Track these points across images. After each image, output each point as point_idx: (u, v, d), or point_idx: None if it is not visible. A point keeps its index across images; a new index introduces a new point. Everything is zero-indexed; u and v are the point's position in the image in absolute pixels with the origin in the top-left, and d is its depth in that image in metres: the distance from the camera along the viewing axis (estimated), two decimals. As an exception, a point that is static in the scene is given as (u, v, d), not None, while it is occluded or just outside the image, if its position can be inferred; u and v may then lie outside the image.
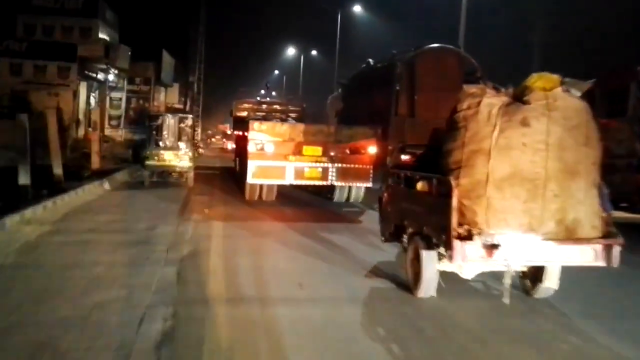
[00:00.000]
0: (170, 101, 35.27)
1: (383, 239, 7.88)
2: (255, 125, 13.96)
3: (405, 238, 6.95)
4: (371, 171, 14.36)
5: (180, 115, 18.22)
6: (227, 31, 62.85)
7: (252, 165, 13.91)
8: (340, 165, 14.16)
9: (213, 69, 53.48)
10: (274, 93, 30.72)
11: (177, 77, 39.50)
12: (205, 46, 49.14)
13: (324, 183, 14.35)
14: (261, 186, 14.56)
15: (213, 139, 59.76)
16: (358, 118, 18.23)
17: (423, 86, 17.03)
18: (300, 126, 14.28)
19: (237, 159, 19.47)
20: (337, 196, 15.16)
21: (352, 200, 15.15)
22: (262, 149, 13.87)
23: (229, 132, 41.45)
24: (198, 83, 49.69)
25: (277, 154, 13.89)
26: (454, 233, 5.26)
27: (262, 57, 65.46)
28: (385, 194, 7.32)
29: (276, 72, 62.62)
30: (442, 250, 5.70)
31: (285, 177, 14.04)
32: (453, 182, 5.37)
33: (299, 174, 14.05)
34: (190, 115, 18.67)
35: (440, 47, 18.25)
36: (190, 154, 17.18)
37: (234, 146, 24.42)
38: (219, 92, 57.50)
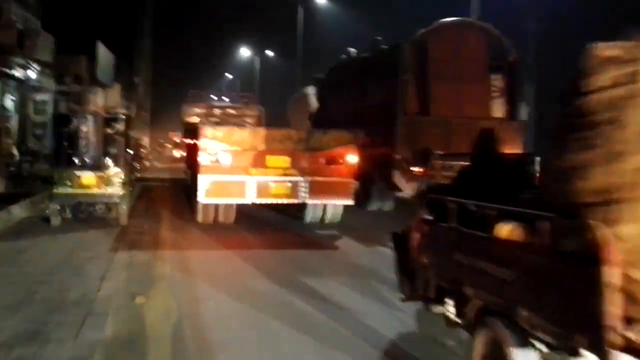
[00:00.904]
0: (110, 104, 30.83)
1: (403, 297, 5.18)
2: (208, 131, 11.15)
3: (450, 305, 4.29)
4: (352, 185, 11.73)
5: (107, 115, 13.77)
6: (178, 28, 58.02)
7: (204, 181, 11.13)
8: (313, 178, 11.50)
9: (163, 70, 48.64)
10: (225, 99, 26.71)
11: (118, 77, 34.13)
12: (154, 43, 44.62)
13: (294, 201, 11.64)
14: (217, 206, 11.76)
15: (162, 148, 55.07)
16: (342, 120, 15.11)
17: (439, 74, 13.05)
18: (263, 132, 11.51)
19: (189, 170, 16.63)
20: (310, 216, 12.43)
21: (327, 220, 12.45)
22: (216, 160, 11.13)
23: (177, 140, 38.10)
24: (144, 85, 45.36)
25: (235, 167, 11.19)
26: (611, 338, 2.61)
27: (216, 58, 61.60)
28: (417, 233, 4.59)
29: (230, 76, 59.09)
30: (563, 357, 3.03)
31: (246, 195, 11.29)
32: (606, 233, 2.67)
33: (262, 190, 11.34)
34: (122, 116, 12.76)
35: (461, 22, 14.46)
36: (122, 175, 11.41)
37: (184, 154, 21.58)
38: (170, 97, 51.20)
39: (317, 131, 12.33)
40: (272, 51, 45.55)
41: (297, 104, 20.91)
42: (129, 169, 13.74)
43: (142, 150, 35.40)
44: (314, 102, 18.97)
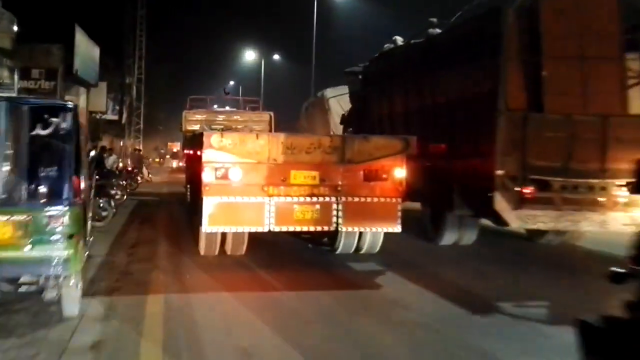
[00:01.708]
0: (95, 107, 27.18)
1: None
2: (213, 139, 8.52)
3: None
4: (399, 207, 9.10)
5: (26, 99, 6.73)
6: (175, 25, 53.17)
7: (209, 205, 8.55)
8: (350, 199, 8.89)
9: (160, 72, 43.46)
10: (227, 107, 23.96)
11: (105, 76, 29.03)
12: (148, 40, 39.44)
13: (325, 228, 9.02)
14: (224, 234, 9.16)
15: (162, 160, 51.56)
16: (395, 122, 12.44)
17: (556, 53, 9.13)
18: (285, 138, 8.87)
19: (189, 186, 14.02)
20: (343, 245, 9.81)
21: (364, 250, 9.84)
22: (224, 176, 8.58)
23: (175, 150, 35.37)
24: (138, 86, 39.49)
25: (248, 185, 8.67)
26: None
27: (219, 61, 58.32)
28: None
29: (232, 82, 56.11)
30: None
31: (262, 221, 8.70)
32: None
33: (284, 215, 8.76)
34: (68, 104, 5.81)
35: None
36: (70, 219, 5.54)
37: (183, 164, 19.14)
38: (170, 103, 45.90)
39: (355, 138, 9.58)
40: (279, 54, 42.68)
41: (313, 109, 18.15)
42: (92, 201, 8.69)
43: (146, 160, 32.99)
44: (334, 106, 16.18)
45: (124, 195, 15.59)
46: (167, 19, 48.64)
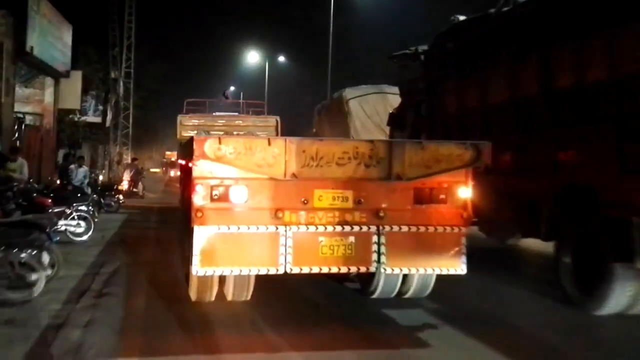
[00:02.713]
0: (67, 103, 21.09)
1: None
2: (207, 146, 6.02)
3: None
4: (463, 240, 6.62)
5: None
6: (171, 18, 48.25)
7: (201, 237, 6.12)
8: (396, 228, 6.42)
9: (154, 70, 37.02)
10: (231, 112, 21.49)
11: (86, 68, 24.37)
12: (140, 31, 32.65)
13: (363, 269, 6.55)
14: (223, 277, 6.69)
15: (165, 169, 48.32)
16: (475, 123, 9.72)
17: None
18: (309, 144, 6.37)
19: (182, 206, 11.54)
20: (381, 289, 7.33)
21: (410, 294, 7.36)
22: (223, 197, 6.19)
23: (173, 159, 32.03)
24: (126, 82, 32.34)
25: (257, 209, 6.24)
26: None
27: (218, 62, 55.07)
28: None
29: (232, 88, 52.83)
30: None
31: (276, 261, 6.25)
32: None
33: (306, 251, 6.34)
34: None
35: None
36: None
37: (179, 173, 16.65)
38: (170, 106, 38.54)
39: (406, 144, 6.95)
40: (284, 56, 39.94)
41: (328, 112, 15.59)
42: None
43: (141, 171, 28.29)
44: (356, 109, 13.53)
45: (89, 229, 11.52)
46: (161, 11, 42.80)
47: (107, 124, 31.67)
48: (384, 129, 11.70)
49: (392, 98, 12.40)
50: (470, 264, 6.58)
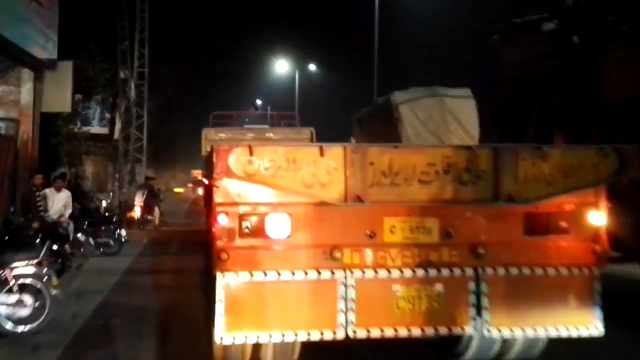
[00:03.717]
0: (52, 105, 15.33)
1: None
2: (233, 158, 4.22)
3: None
4: (597, 284, 4.64)
5: None
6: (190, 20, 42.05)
7: (227, 288, 4.30)
8: (503, 271, 4.50)
9: (175, 74, 30.67)
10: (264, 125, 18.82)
11: (84, 65, 19.76)
12: (153, 30, 25.76)
13: (457, 331, 4.61)
14: (258, 344, 4.78)
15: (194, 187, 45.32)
16: None
17: None
18: (380, 152, 4.48)
19: (206, 232, 9.67)
20: (475, 351, 5.32)
21: (513, 357, 5.34)
22: (255, 230, 4.40)
23: (200, 177, 28.08)
24: (139, 85, 25.55)
25: (304, 247, 4.42)
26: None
27: (243, 79, 52.75)
28: None
29: (259, 101, 50.12)
30: None
31: (333, 320, 4.41)
32: None
33: (375, 305, 4.51)
34: None
35: None
36: None
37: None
38: (189, 117, 32.94)
39: (519, 150, 4.84)
40: (315, 64, 37.78)
41: (372, 121, 13.48)
42: None
43: (158, 193, 22.00)
44: (408, 115, 11.28)
45: (41, 309, 6.46)
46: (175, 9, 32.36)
47: (116, 135, 25.56)
48: (441, 138, 9.61)
49: (451, 102, 10.23)
50: (609, 317, 4.59)
